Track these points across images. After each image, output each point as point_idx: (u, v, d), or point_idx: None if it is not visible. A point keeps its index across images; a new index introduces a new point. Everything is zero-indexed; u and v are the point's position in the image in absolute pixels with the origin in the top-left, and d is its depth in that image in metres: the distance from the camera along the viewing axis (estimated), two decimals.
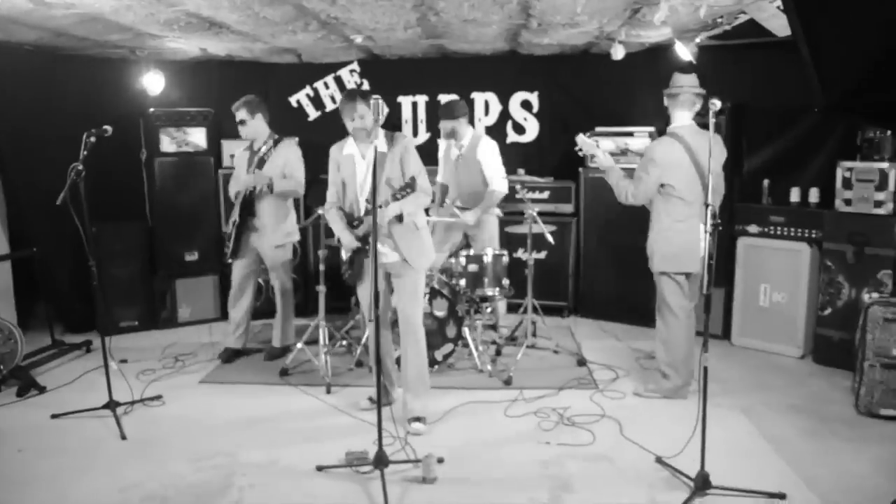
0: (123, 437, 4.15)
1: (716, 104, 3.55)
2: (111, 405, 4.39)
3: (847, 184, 4.99)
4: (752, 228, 5.59)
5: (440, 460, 3.73)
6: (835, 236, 5.06)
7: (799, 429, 4.20)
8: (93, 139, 4.28)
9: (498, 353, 5.39)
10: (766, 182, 5.65)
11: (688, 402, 4.55)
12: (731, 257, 5.66)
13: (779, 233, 5.46)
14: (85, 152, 4.24)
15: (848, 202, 4.99)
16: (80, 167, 4.21)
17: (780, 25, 4.40)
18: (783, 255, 5.43)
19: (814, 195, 5.41)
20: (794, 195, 5.49)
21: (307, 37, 5.42)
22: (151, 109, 6.28)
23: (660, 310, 4.62)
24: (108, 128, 4.38)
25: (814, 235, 5.29)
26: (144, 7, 4.29)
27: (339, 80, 6.95)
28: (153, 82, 6.33)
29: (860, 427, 4.23)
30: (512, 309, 5.83)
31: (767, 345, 5.56)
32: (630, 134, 6.12)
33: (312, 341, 5.20)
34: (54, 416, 4.42)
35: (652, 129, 6.10)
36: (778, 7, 4.15)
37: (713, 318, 4.00)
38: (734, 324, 5.74)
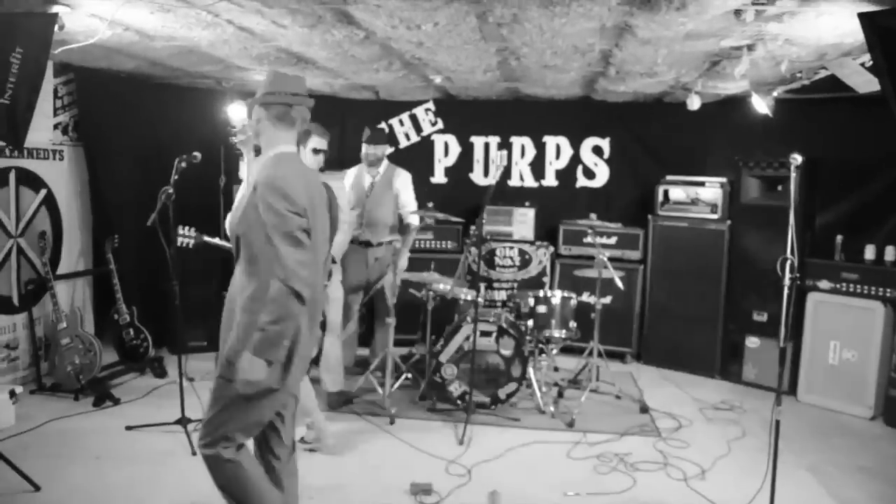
0: (194, 453, 4.27)
1: (797, 158, 3.54)
2: (183, 421, 4.54)
3: None
4: (824, 284, 5.51)
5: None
6: None
7: (869, 492, 4.10)
8: (183, 164, 4.48)
9: (560, 394, 5.39)
10: (839, 238, 5.59)
11: (753, 456, 4.48)
12: (800, 312, 5.58)
13: (851, 290, 5.38)
14: (176, 176, 4.44)
15: None
16: (171, 191, 4.42)
17: (862, 82, 4.39)
18: (855, 313, 5.34)
19: (890, 253, 5.32)
20: (869, 252, 5.42)
21: (388, 75, 5.60)
22: (232, 138, 6.51)
23: None
24: (198, 154, 4.58)
25: (888, 294, 5.19)
26: (240, 41, 4.50)
27: (413, 118, 7.12)
28: (236, 112, 6.58)
29: None
30: (576, 352, 5.82)
31: (835, 403, 5.44)
32: (701, 184, 6.13)
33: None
34: (129, 428, 4.58)
35: (724, 179, 6.11)
36: (862, 64, 4.16)
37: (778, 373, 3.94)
38: (801, 380, 5.63)
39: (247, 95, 6.59)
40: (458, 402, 4.95)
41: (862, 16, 3.04)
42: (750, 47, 4.06)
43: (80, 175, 5.99)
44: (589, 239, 5.34)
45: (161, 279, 5.63)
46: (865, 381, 5.29)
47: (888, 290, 5.19)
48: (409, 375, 5.48)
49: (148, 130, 6.07)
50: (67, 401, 5.09)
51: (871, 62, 4.02)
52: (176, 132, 6.22)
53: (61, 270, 5.66)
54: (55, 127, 5.71)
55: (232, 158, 6.53)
